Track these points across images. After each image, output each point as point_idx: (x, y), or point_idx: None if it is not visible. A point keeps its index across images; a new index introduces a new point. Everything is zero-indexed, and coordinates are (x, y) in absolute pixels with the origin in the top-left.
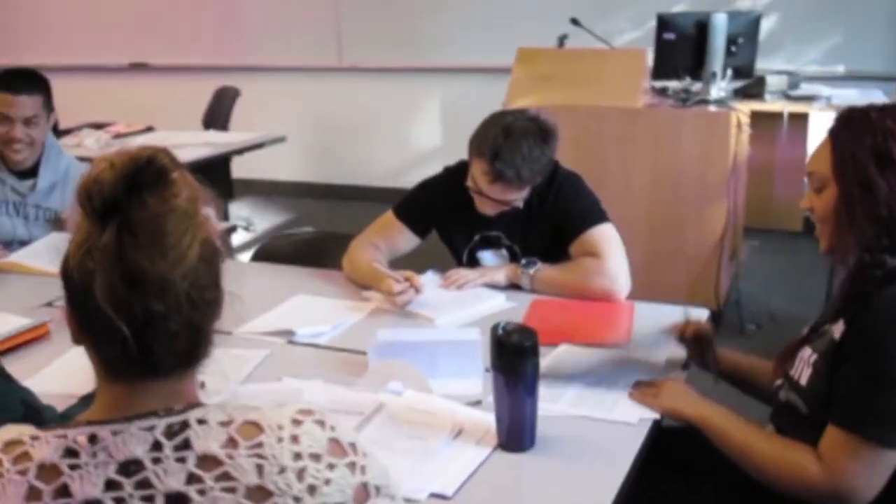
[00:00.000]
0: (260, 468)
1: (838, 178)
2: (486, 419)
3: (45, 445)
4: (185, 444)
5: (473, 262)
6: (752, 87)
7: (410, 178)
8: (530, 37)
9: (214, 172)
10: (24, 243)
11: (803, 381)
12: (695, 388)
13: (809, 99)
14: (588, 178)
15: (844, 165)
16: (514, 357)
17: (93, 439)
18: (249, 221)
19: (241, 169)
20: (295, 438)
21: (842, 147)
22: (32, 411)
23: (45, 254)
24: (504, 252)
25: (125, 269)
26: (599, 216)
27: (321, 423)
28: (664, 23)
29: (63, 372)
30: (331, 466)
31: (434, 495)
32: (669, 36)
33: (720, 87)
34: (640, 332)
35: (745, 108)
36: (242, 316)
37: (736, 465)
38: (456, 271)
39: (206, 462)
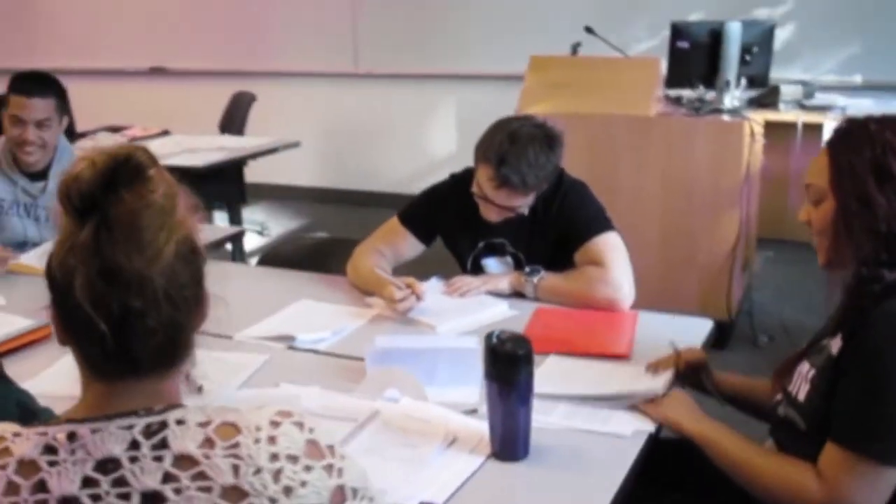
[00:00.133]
0: (236, 468)
1: (836, 192)
2: (481, 428)
3: (26, 442)
4: (163, 444)
5: (478, 269)
6: (766, 97)
7: (424, 185)
8: (545, 45)
9: (228, 177)
10: (36, 245)
11: (801, 396)
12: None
13: (824, 109)
14: (600, 186)
15: (842, 178)
16: (507, 365)
17: (72, 437)
18: (264, 226)
19: (256, 174)
20: (272, 440)
21: (839, 159)
22: (28, 414)
23: None
24: (509, 259)
25: (103, 265)
26: (604, 224)
27: (300, 425)
28: (678, 31)
29: (64, 374)
30: (307, 468)
31: None
32: (683, 44)
33: (734, 97)
34: (640, 352)
35: (758, 118)
36: (244, 320)
37: (731, 481)
38: (460, 278)
39: (182, 462)
